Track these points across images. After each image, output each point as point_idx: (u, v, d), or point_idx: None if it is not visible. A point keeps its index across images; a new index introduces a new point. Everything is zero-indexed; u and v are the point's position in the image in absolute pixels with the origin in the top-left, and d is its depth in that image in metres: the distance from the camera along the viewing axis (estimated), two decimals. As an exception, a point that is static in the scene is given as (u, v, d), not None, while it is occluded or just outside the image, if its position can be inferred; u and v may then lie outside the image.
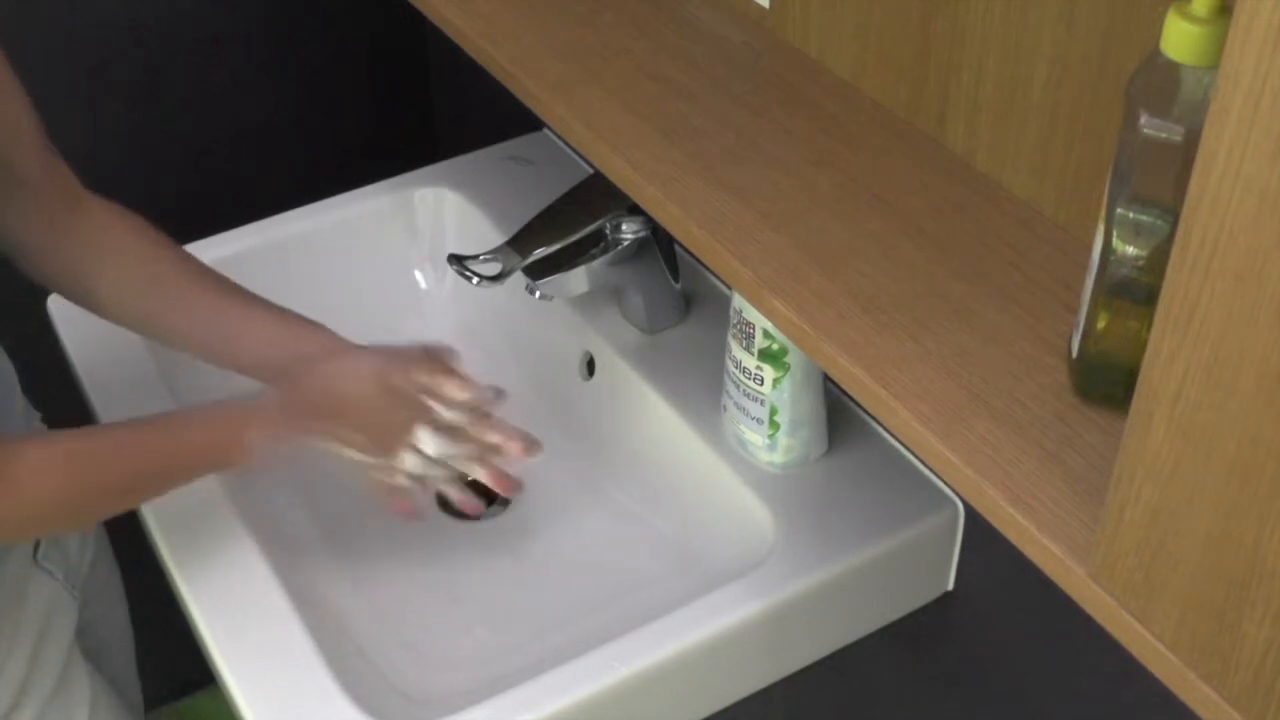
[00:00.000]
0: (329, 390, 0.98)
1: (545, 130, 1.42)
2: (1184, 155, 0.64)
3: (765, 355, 1.04)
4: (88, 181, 1.02)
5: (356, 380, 0.98)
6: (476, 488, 1.23)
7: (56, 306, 1.23)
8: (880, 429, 1.11)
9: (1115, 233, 0.71)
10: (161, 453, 0.96)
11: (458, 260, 1.15)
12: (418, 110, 1.68)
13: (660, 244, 1.17)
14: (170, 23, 1.44)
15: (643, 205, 0.99)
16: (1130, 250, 0.71)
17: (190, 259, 1.04)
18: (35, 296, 1.17)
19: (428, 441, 0.98)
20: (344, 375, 0.98)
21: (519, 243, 1.15)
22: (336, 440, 0.98)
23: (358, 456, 0.98)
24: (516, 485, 1.02)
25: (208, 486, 1.06)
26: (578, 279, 1.15)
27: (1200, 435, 0.58)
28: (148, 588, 1.17)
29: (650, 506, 1.16)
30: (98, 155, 1.18)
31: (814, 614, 1.04)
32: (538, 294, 1.14)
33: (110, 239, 1.00)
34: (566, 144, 1.38)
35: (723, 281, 1.22)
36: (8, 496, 0.87)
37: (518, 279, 1.14)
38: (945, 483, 1.04)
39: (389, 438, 0.97)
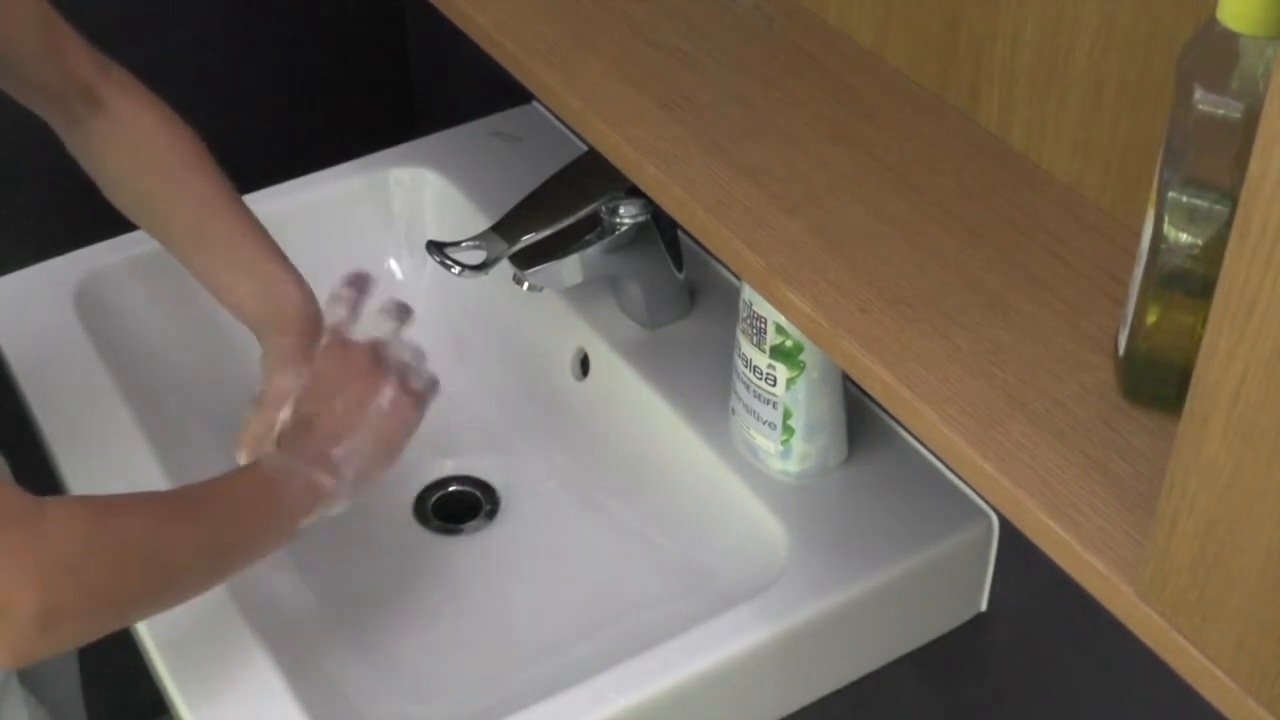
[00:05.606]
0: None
1: (534, 103, 1.42)
2: (1243, 134, 0.64)
3: (778, 353, 1.04)
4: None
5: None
6: (456, 502, 1.23)
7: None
8: (906, 434, 1.11)
9: (1167, 218, 0.71)
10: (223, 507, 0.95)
11: (438, 248, 1.15)
12: (393, 81, 1.68)
13: (662, 229, 1.17)
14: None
15: (642, 186, 0.99)
16: (1184, 237, 0.71)
17: (203, 178, 1.10)
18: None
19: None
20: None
21: (505, 228, 1.15)
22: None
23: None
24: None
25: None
26: (570, 268, 1.16)
27: (1261, 439, 0.59)
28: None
29: (650, 520, 1.17)
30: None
31: (832, 639, 1.04)
32: (526, 285, 1.15)
33: (123, 140, 1.09)
34: (558, 118, 1.38)
35: (731, 271, 1.23)
36: (30, 550, 0.80)
37: (504, 268, 1.14)
38: (978, 493, 1.05)
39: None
